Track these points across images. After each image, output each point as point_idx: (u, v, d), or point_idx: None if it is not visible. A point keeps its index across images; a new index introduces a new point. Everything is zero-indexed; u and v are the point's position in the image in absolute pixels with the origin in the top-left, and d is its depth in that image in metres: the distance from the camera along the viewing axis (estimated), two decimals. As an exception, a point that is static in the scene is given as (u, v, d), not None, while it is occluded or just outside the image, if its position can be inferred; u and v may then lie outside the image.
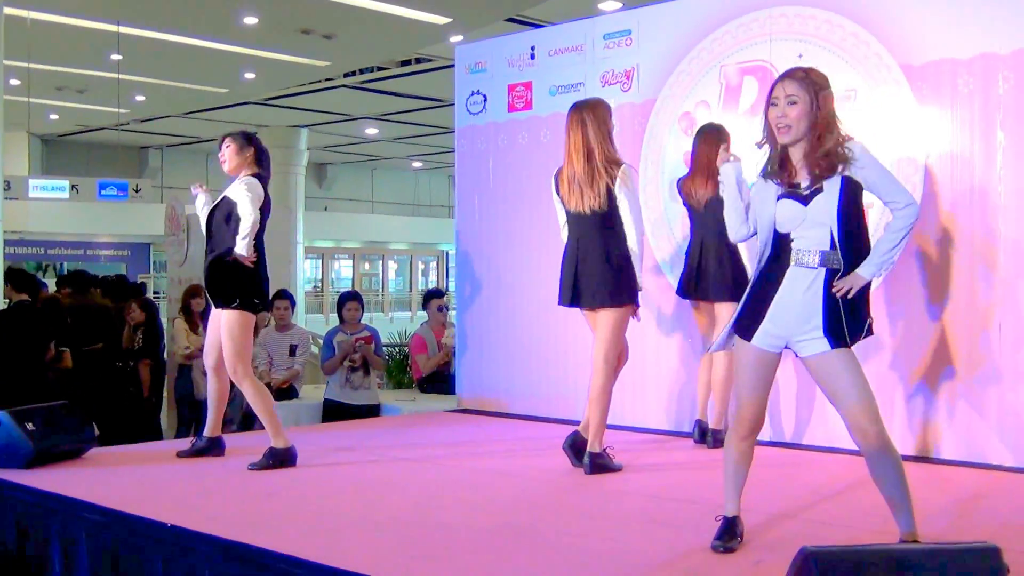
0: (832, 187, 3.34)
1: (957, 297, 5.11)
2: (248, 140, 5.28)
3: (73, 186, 17.14)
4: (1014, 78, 4.95)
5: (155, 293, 22.54)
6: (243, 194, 5.07)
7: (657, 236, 6.27)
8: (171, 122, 22.58)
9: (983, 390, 5.01)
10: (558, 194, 5.03)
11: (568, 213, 5.01)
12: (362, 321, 7.91)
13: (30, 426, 4.88)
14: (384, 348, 8.71)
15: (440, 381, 8.11)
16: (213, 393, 5.37)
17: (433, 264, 34.69)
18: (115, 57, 15.04)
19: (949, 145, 5.14)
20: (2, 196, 12.37)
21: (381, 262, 33.45)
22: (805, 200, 3.37)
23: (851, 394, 3.31)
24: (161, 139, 25.82)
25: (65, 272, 18.83)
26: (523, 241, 6.88)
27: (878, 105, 5.38)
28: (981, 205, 5.03)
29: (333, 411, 7.45)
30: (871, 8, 5.40)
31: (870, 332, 3.40)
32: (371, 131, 24.57)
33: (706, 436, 5.56)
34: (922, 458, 5.10)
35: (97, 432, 5.38)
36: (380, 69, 17.96)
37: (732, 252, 5.37)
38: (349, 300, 7.88)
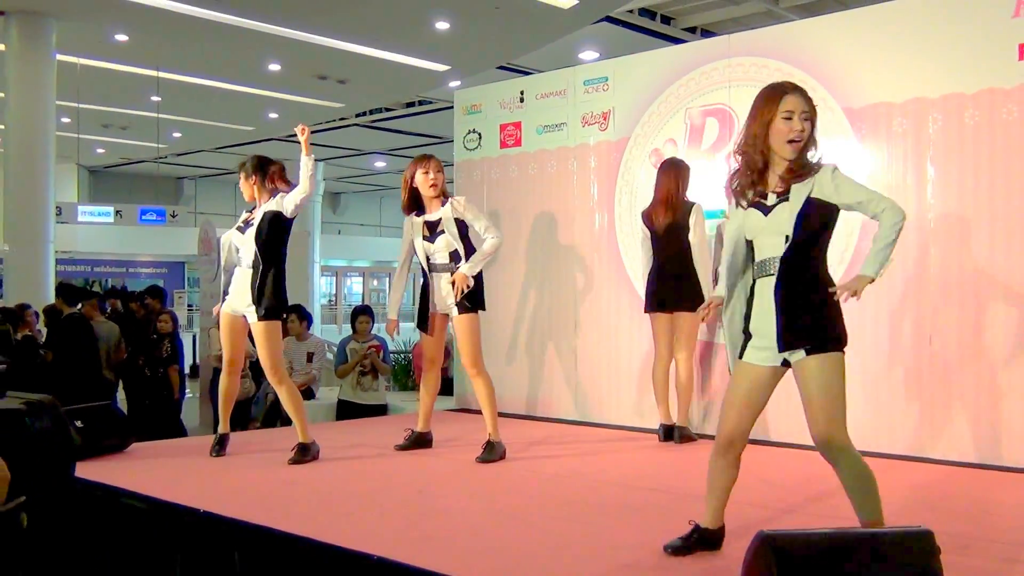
0: (798, 196, 3.03)
1: (892, 312, 5.12)
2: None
3: (117, 212, 17.12)
4: (942, 119, 4.98)
5: (189, 306, 22.51)
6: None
7: (631, 257, 6.27)
8: (204, 156, 22.59)
9: (919, 398, 5.02)
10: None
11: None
12: (372, 332, 7.88)
13: (79, 423, 4.85)
14: (391, 355, 8.68)
15: (441, 383, 8.05)
16: (231, 392, 5.34)
17: (434, 281, 34.57)
18: (155, 98, 15.05)
19: (885, 178, 5.15)
20: (54, 220, 12.36)
21: (388, 279, 33.38)
22: (767, 211, 3.07)
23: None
24: (195, 171, 25.82)
25: (110, 287, 18.79)
26: (514, 259, 6.87)
27: (823, 143, 5.34)
28: (914, 231, 5.04)
29: (346, 410, 7.42)
30: (817, 58, 5.43)
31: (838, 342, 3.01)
32: (380, 164, 24.60)
33: (672, 433, 5.52)
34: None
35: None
36: (387, 110, 17.99)
37: (688, 270, 5.37)
38: (362, 314, 7.86)
